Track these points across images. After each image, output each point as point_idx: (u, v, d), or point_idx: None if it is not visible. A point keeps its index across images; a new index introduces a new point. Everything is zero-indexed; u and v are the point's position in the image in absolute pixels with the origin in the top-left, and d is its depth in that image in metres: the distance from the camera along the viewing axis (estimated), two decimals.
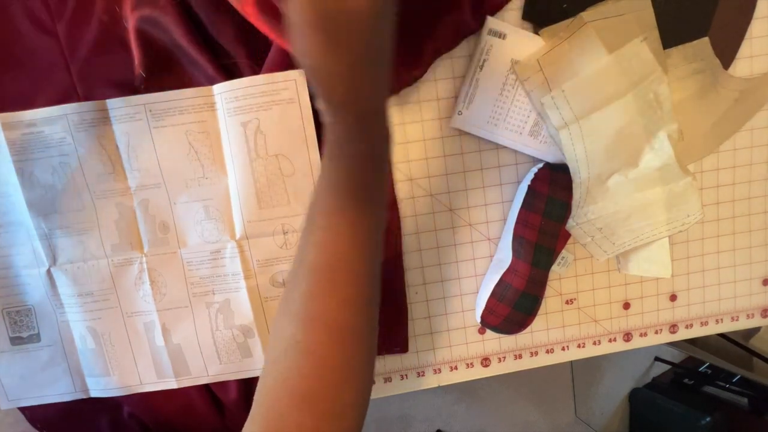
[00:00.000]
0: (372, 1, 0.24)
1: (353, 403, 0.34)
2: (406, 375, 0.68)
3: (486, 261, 0.66)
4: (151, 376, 0.61)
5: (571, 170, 0.60)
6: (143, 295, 0.59)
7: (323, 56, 0.26)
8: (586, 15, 0.56)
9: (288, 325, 0.34)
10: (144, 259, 0.58)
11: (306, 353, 0.33)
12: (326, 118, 0.30)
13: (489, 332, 0.68)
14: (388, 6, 0.27)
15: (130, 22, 0.53)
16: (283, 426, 0.32)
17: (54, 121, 0.54)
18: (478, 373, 0.69)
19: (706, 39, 0.61)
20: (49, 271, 0.58)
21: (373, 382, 0.34)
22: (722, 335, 1.43)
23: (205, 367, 0.61)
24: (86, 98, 0.56)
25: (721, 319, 0.73)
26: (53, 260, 0.58)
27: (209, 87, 0.55)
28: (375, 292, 0.35)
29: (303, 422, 0.32)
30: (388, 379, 0.67)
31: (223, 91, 0.54)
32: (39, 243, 0.57)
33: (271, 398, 0.33)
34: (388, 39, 0.28)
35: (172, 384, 0.61)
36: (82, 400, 0.62)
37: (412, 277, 0.65)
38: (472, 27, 0.57)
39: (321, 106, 0.29)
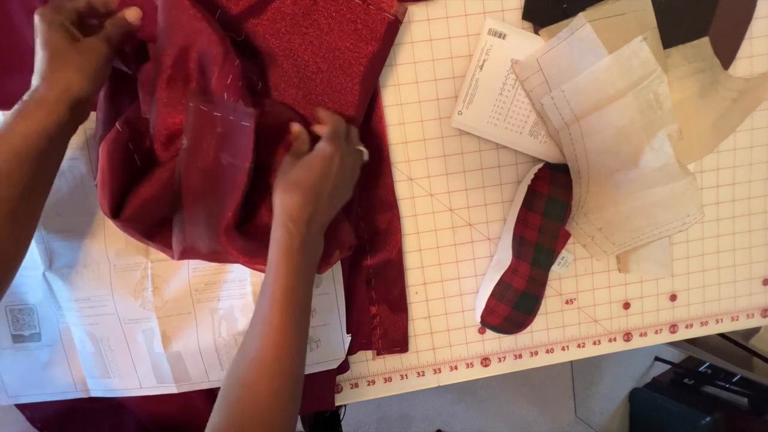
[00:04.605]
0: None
1: None
2: (406, 375, 0.68)
3: (486, 261, 0.66)
4: (151, 381, 0.61)
5: (571, 170, 0.60)
6: (143, 302, 0.58)
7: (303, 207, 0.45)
8: (586, 15, 0.56)
9: (216, 412, 0.43)
10: (149, 264, 0.58)
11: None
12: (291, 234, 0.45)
13: (489, 332, 0.68)
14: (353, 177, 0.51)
15: None
16: None
17: None
18: (478, 373, 0.69)
19: (706, 39, 0.61)
20: (44, 275, 0.57)
21: None
22: (722, 335, 1.43)
23: (206, 373, 0.61)
24: None
25: (721, 319, 0.73)
26: (49, 264, 0.57)
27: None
28: (298, 388, 0.45)
29: None
30: (388, 379, 0.67)
31: None
32: (35, 245, 0.56)
33: None
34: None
35: (171, 389, 0.61)
36: (82, 399, 0.62)
37: (412, 277, 0.65)
38: None
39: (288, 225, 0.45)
